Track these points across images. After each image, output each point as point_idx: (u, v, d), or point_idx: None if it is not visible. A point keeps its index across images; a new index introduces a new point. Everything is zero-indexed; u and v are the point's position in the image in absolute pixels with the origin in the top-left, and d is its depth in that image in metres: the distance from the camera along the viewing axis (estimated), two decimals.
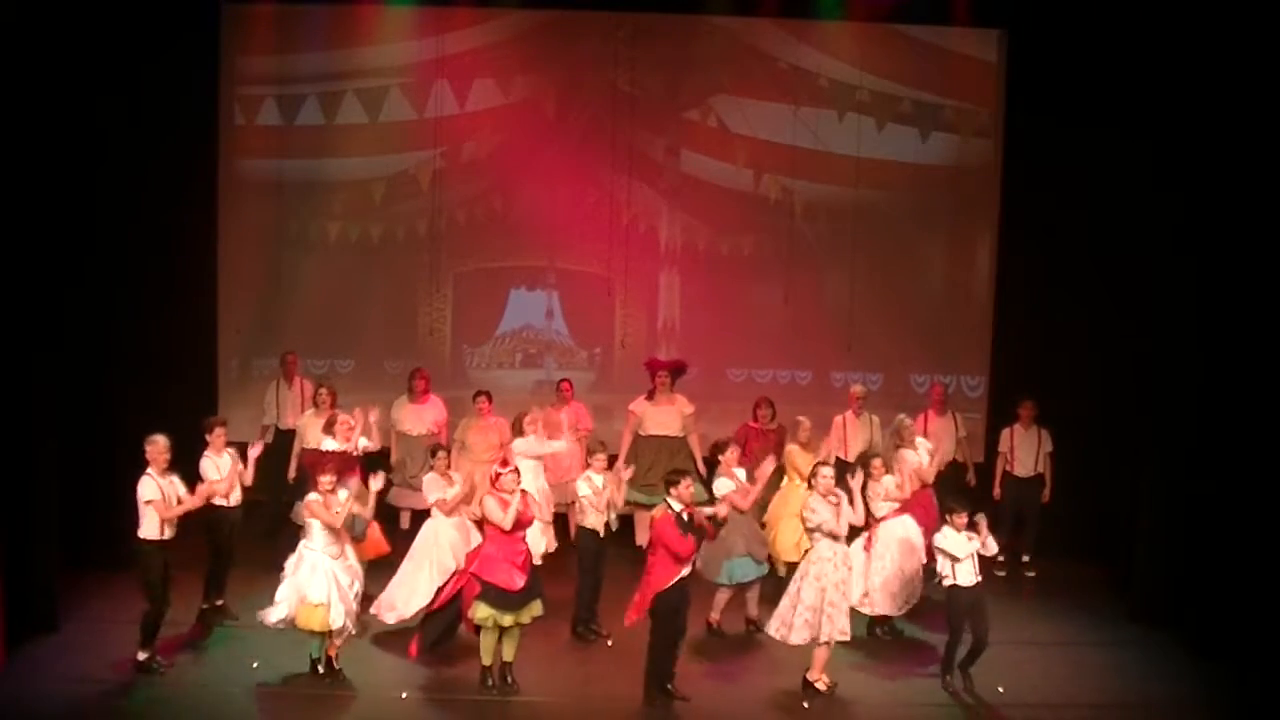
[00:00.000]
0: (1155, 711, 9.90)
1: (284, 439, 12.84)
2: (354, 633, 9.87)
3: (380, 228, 14.32)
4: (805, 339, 14.37)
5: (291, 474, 12.28)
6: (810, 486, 10.01)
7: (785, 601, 9.92)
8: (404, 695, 9.74)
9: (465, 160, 14.30)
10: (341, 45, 14.05)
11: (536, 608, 9.76)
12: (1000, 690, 9.97)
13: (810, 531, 9.89)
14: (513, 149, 14.19)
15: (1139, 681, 10.38)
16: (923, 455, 11.69)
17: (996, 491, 12.88)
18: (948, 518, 9.94)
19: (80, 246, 11.52)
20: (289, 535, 10.87)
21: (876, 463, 10.94)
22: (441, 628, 9.93)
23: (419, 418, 12.79)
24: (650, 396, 12.74)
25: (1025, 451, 12.86)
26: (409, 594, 10.53)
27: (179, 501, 9.92)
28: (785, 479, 11.96)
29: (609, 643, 10.71)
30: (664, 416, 12.68)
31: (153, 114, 12.62)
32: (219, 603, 10.99)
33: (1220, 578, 10.85)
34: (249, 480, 10.93)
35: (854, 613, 10.12)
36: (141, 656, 9.92)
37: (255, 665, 10.12)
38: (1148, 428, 11.74)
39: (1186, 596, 11.12)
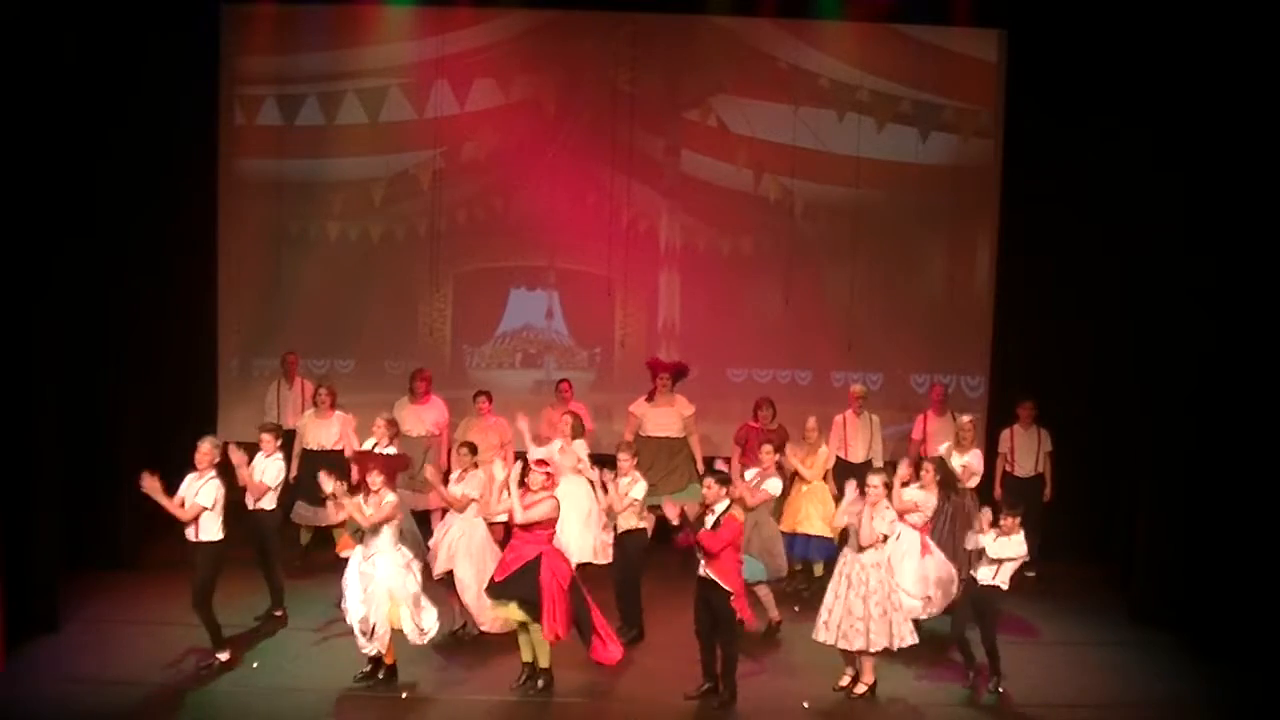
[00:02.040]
0: (1156, 711, 9.89)
1: (285, 439, 12.84)
2: (364, 647, 9.77)
3: (380, 228, 14.32)
4: (805, 339, 14.36)
5: (292, 474, 12.28)
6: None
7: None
8: (404, 695, 9.74)
9: (465, 160, 14.30)
10: (341, 45, 14.04)
11: (511, 611, 9.64)
12: (1001, 690, 9.97)
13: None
14: (513, 149, 14.19)
15: (1140, 681, 10.38)
16: (973, 460, 11.82)
17: (996, 492, 12.87)
18: (1002, 522, 9.85)
19: (80, 247, 11.53)
20: (290, 535, 10.88)
21: (926, 465, 11.09)
22: (585, 627, 9.78)
23: (419, 419, 12.79)
24: (650, 398, 12.74)
25: (1024, 452, 12.89)
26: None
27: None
28: (795, 482, 12.00)
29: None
30: (664, 418, 12.68)
31: (153, 114, 12.63)
32: (277, 613, 11.03)
33: (1220, 578, 10.86)
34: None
35: None
36: (223, 657, 10.00)
37: (256, 665, 10.14)
38: (1148, 428, 11.75)
39: (1186, 596, 11.13)
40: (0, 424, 10.28)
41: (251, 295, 14.20)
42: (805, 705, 9.74)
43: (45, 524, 10.66)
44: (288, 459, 12.38)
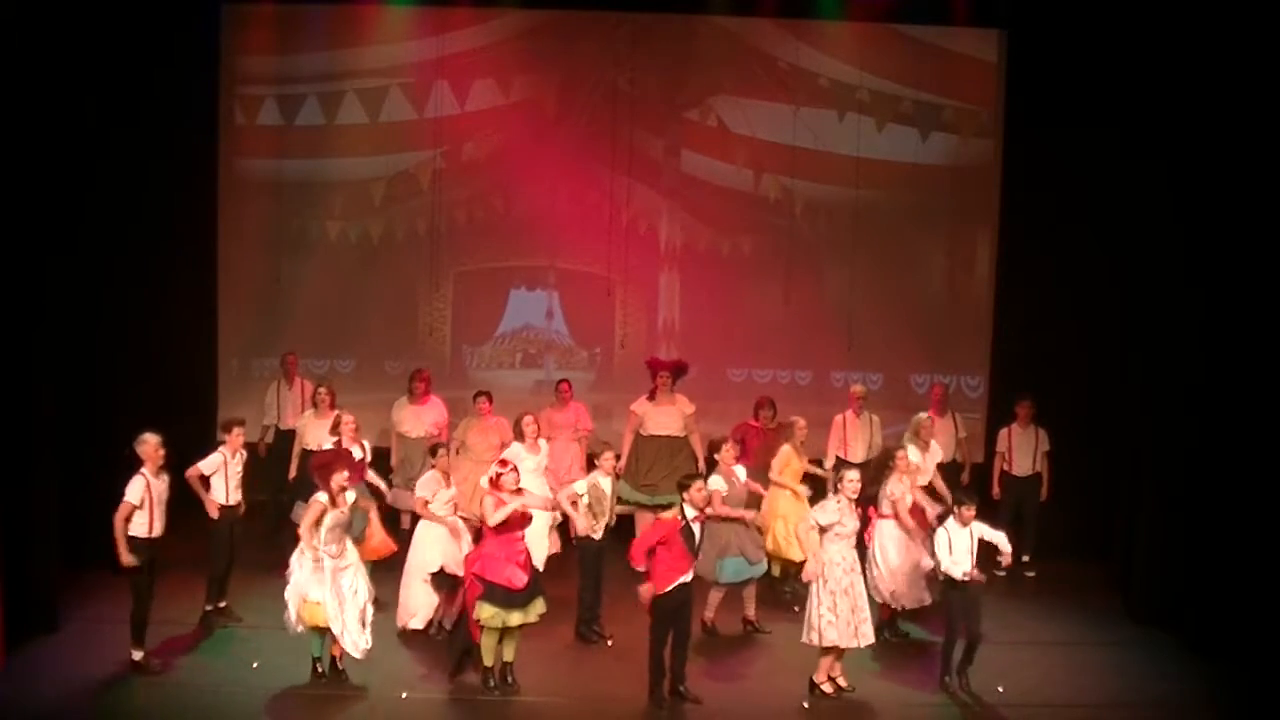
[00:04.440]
0: (1155, 711, 9.89)
1: (284, 439, 12.87)
2: (362, 645, 9.69)
3: (380, 228, 14.34)
4: (805, 339, 14.38)
5: (292, 474, 12.29)
6: (836, 490, 9.92)
7: (809, 607, 9.82)
8: (404, 695, 9.74)
9: (465, 160, 14.32)
10: (341, 45, 14.08)
11: (540, 606, 9.73)
12: (1000, 690, 9.97)
13: (822, 533, 9.77)
14: (513, 149, 14.21)
15: (1139, 681, 10.38)
16: (929, 460, 11.69)
17: (995, 491, 12.90)
18: (956, 510, 9.85)
19: (80, 246, 11.52)
20: (289, 535, 10.86)
21: (900, 454, 10.95)
22: (460, 650, 9.87)
23: (419, 419, 12.79)
24: (651, 396, 12.74)
25: (1023, 451, 12.89)
26: (416, 603, 10.57)
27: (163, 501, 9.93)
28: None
29: (609, 643, 10.72)
30: (665, 417, 12.68)
31: (153, 114, 12.65)
32: (222, 604, 10.98)
33: (1220, 577, 10.85)
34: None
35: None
36: (136, 656, 9.91)
37: (256, 665, 10.13)
38: (1147, 427, 11.75)
39: (1186, 596, 11.13)
40: (0, 424, 10.28)
41: (251, 295, 14.21)
42: (805, 705, 9.75)
43: (45, 524, 10.66)
44: (288, 459, 12.42)
